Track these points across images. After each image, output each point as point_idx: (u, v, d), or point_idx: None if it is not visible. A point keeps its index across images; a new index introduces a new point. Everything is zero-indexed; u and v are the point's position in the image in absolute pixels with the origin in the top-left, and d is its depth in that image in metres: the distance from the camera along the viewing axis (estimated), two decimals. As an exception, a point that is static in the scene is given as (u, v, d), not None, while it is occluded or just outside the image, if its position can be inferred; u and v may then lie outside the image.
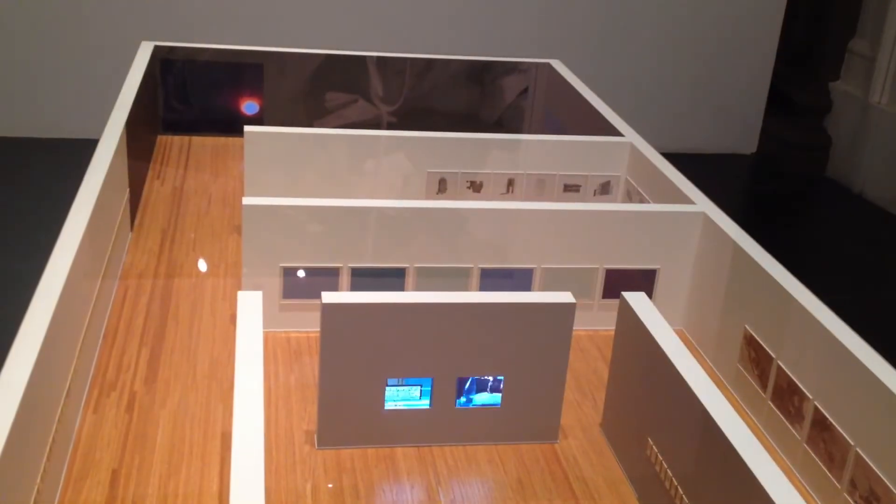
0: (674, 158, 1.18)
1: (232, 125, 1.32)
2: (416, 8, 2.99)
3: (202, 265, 1.02)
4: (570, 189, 1.24)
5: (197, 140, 1.36)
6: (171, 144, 1.33)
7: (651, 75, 3.20)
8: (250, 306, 0.71)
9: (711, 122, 3.24)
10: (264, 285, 0.87)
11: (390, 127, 1.81)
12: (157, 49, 1.34)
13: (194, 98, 1.42)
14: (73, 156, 2.66)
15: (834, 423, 0.74)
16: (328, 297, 0.73)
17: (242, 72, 1.47)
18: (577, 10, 3.08)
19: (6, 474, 0.53)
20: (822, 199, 3.02)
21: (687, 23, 3.17)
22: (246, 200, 0.88)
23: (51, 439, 0.65)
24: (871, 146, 2.89)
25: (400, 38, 2.93)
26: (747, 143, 3.28)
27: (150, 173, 1.23)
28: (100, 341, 0.86)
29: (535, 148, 1.27)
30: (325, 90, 1.76)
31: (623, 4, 3.10)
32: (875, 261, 2.49)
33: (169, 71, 1.37)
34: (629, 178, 1.24)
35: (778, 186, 3.05)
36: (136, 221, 1.10)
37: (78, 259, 0.75)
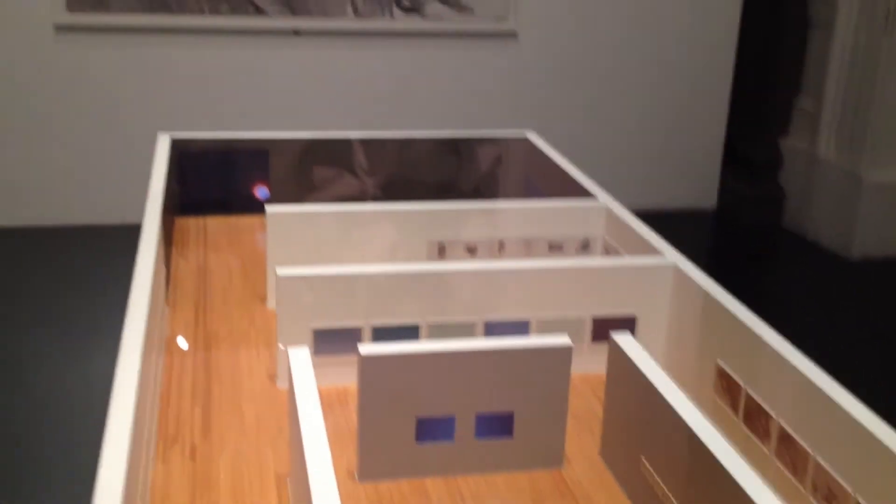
0: (643, 216, 1.33)
1: (244, 204, 1.46)
2: (396, 92, 3.17)
3: (235, 332, 1.14)
4: (554, 248, 1.39)
5: (212, 220, 1.49)
6: (189, 225, 1.46)
7: (616, 140, 3.38)
8: (300, 359, 0.83)
9: (674, 181, 3.43)
10: (297, 346, 1.00)
11: (379, 198, 1.96)
12: (173, 140, 1.48)
13: (207, 182, 1.56)
14: (102, 240, 2.79)
15: (795, 436, 0.87)
16: (364, 349, 0.86)
17: (249, 156, 1.61)
18: (547, 85, 3.27)
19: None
20: (778, 248, 3.21)
21: (646, 87, 3.37)
22: (280, 272, 1.01)
23: (140, 487, 0.77)
24: (821, 196, 3.09)
25: (382, 119, 3.10)
26: (707, 199, 3.47)
27: (175, 252, 1.35)
28: (158, 402, 0.97)
29: (520, 213, 1.41)
30: (318, 168, 1.91)
31: (587, 77, 3.30)
32: (828, 298, 2.66)
33: (184, 159, 1.51)
34: (606, 236, 1.38)
35: (737, 238, 3.23)
36: (170, 298, 1.22)
37: (145, 335, 0.88)
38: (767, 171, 3.35)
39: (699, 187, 3.40)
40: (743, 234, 3.22)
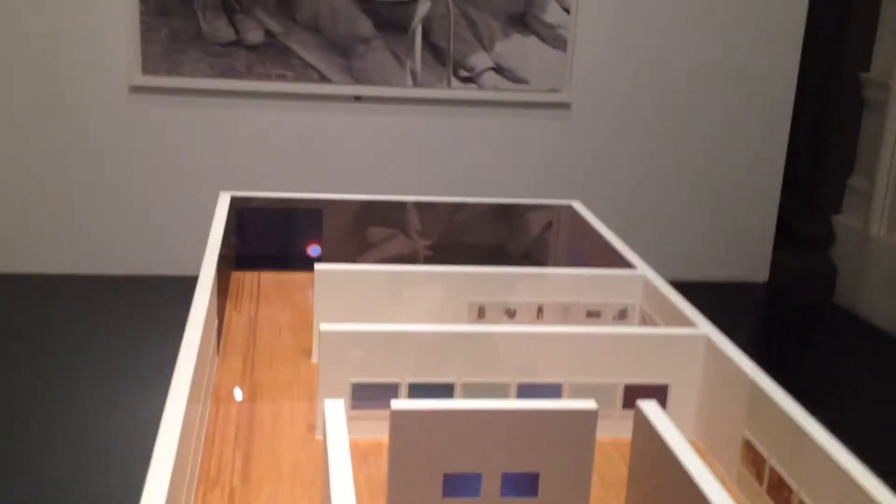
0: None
1: (297, 262, 1.53)
2: (451, 157, 3.24)
3: (279, 384, 1.20)
4: (592, 315, 1.42)
5: (265, 275, 1.56)
6: (244, 279, 1.54)
7: (669, 211, 3.40)
8: (335, 411, 0.88)
9: (727, 253, 3.43)
10: (335, 398, 1.04)
11: (426, 260, 2.02)
12: (233, 198, 1.56)
13: (263, 239, 1.64)
14: (163, 290, 2.91)
15: (818, 509, 0.88)
16: (396, 404, 0.90)
17: (304, 216, 1.69)
18: (599, 155, 3.32)
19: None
20: (829, 326, 3.17)
21: (698, 161, 3.40)
22: (323, 327, 1.06)
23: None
24: (873, 275, 3.06)
25: (437, 183, 3.17)
26: (760, 272, 3.45)
27: (228, 305, 1.42)
28: (202, 446, 1.03)
29: (560, 279, 1.45)
30: (369, 229, 1.98)
31: (640, 148, 3.34)
32: (877, 377, 2.62)
33: (243, 216, 1.59)
34: (643, 305, 1.41)
35: (788, 313, 3.21)
36: (221, 347, 1.28)
37: (192, 383, 0.93)
38: (820, 247, 3.34)
39: (752, 261, 3.39)
40: (794, 309, 3.19)
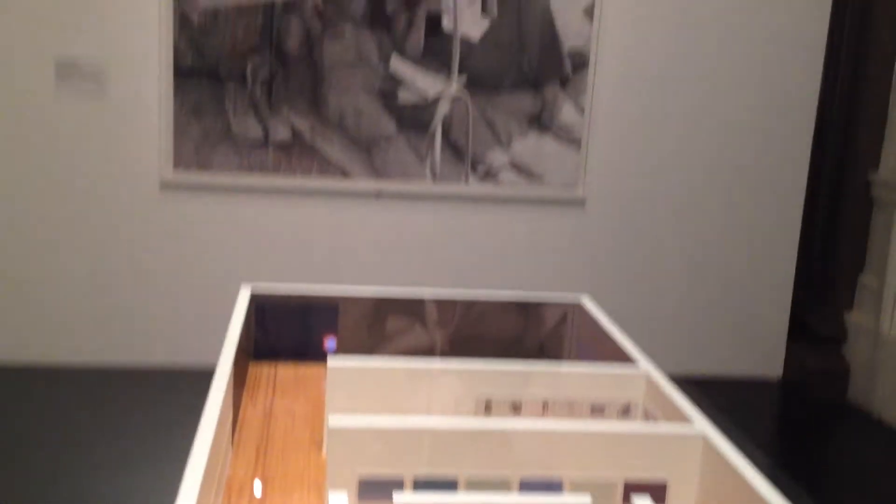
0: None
1: (314, 354, 1.59)
2: (467, 251, 3.32)
3: (289, 476, 1.24)
4: (596, 411, 1.46)
5: (283, 367, 1.62)
6: (262, 370, 1.60)
7: (682, 306, 3.44)
8: None
9: (740, 349, 3.44)
10: (340, 491, 1.09)
11: (439, 354, 2.07)
12: (253, 291, 1.64)
13: (282, 331, 1.70)
14: (181, 380, 2.97)
15: None
16: (399, 497, 0.95)
17: (323, 309, 1.76)
18: (613, 250, 3.38)
19: None
20: (842, 423, 3.16)
21: (712, 257, 3.45)
22: (331, 422, 1.11)
23: None
24: (886, 373, 3.06)
25: (453, 276, 3.25)
26: (773, 368, 3.46)
27: (245, 395, 1.48)
28: (214, 534, 1.07)
29: (565, 375, 1.50)
30: (385, 322, 2.04)
31: (652, 243, 3.40)
32: (889, 477, 2.60)
33: (262, 308, 1.66)
34: (646, 402, 1.45)
35: (802, 410, 3.20)
36: (236, 439, 1.34)
37: (204, 475, 0.99)
38: (832, 344, 3.35)
39: (765, 357, 3.40)
40: (807, 406, 3.19)
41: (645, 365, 1.51)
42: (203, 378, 1.25)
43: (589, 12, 3.14)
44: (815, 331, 3.41)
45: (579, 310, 2.01)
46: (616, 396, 1.48)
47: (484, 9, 3.10)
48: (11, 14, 2.93)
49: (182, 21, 2.97)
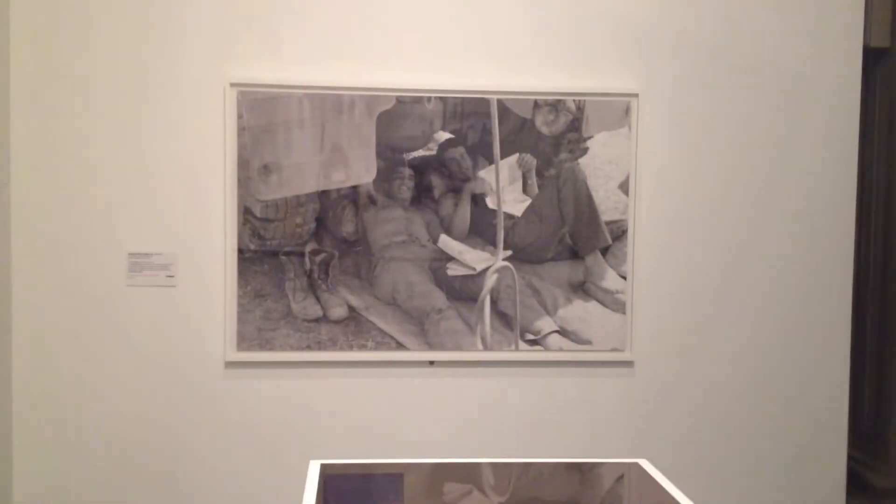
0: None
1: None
2: (521, 416, 3.39)
3: None
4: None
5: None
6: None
7: (739, 467, 3.44)
8: None
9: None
10: None
11: (503, 520, 2.12)
12: (322, 466, 1.74)
13: (351, 501, 1.79)
14: None
15: None
16: None
17: (387, 479, 1.85)
18: (664, 411, 3.43)
19: None
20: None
21: (763, 413, 3.47)
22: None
23: None
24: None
25: (508, 441, 3.30)
26: (838, 524, 3.39)
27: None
28: None
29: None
30: (445, 487, 2.11)
31: (702, 402, 3.44)
32: None
33: (330, 480, 1.76)
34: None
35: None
36: None
37: None
38: (891, 498, 3.29)
39: (827, 512, 3.35)
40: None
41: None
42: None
43: (624, 187, 3.36)
44: (872, 486, 3.37)
45: (639, 472, 2.07)
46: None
47: (524, 189, 3.33)
48: (85, 211, 3.20)
49: (245, 212, 3.22)
